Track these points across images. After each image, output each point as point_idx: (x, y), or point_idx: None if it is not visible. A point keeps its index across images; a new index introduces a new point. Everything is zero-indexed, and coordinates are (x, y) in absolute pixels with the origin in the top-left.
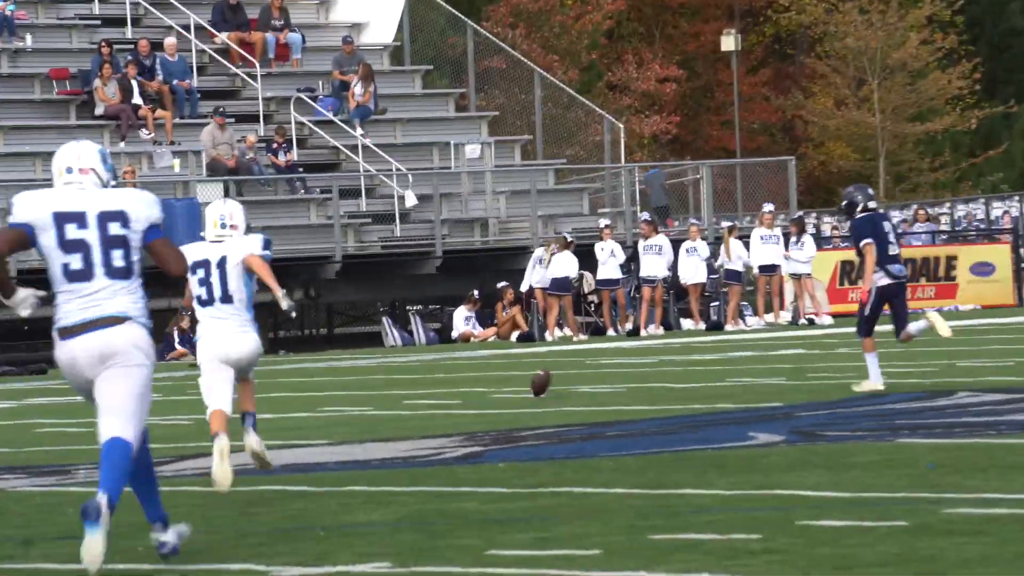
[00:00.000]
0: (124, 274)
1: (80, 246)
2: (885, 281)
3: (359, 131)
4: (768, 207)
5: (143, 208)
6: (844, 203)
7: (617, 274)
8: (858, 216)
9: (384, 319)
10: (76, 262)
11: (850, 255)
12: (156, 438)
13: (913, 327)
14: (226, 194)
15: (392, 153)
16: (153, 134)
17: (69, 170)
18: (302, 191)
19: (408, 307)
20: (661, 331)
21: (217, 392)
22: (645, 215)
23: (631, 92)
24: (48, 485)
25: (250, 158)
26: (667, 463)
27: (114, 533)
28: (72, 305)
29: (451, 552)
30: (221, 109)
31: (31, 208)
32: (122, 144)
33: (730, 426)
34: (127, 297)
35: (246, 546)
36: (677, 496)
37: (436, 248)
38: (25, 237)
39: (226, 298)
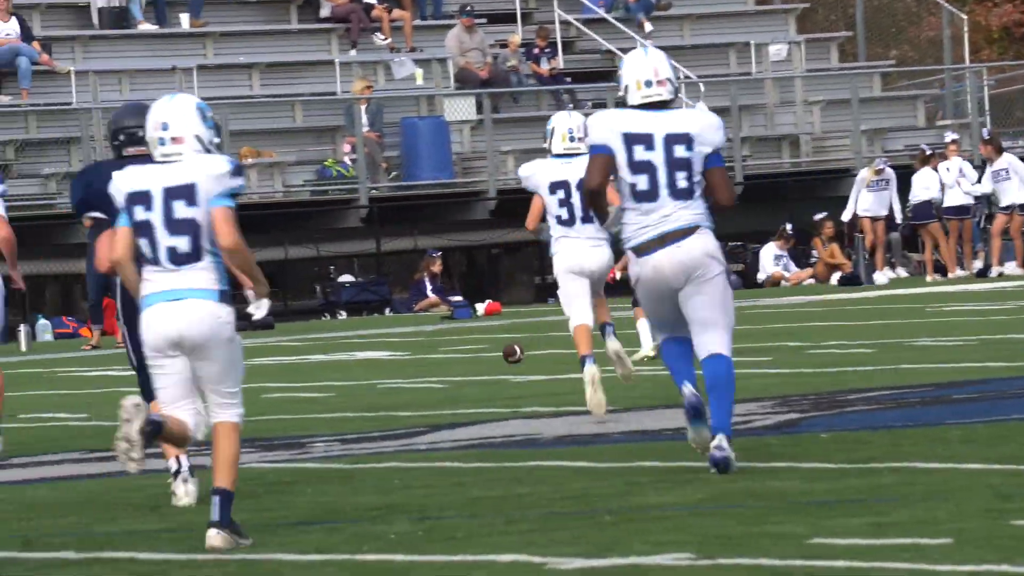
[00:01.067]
0: (687, 195)
1: (646, 167)
2: None
3: (645, 29)
4: None
5: (709, 133)
6: None
7: (967, 200)
8: None
9: None
10: (643, 183)
11: None
12: (404, 404)
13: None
14: (479, 110)
15: (679, 57)
16: (390, 39)
17: (648, 83)
18: (570, 105)
19: None
20: (1022, 271)
21: (578, 305)
22: (985, 132)
23: None
24: (282, 461)
25: (509, 66)
26: None
27: (362, 519)
28: (641, 223)
29: (767, 541)
30: (469, 8)
31: (604, 130)
32: (353, 52)
33: None
34: (692, 211)
35: (516, 533)
36: None
37: (736, 172)
38: (612, 161)
39: (587, 218)
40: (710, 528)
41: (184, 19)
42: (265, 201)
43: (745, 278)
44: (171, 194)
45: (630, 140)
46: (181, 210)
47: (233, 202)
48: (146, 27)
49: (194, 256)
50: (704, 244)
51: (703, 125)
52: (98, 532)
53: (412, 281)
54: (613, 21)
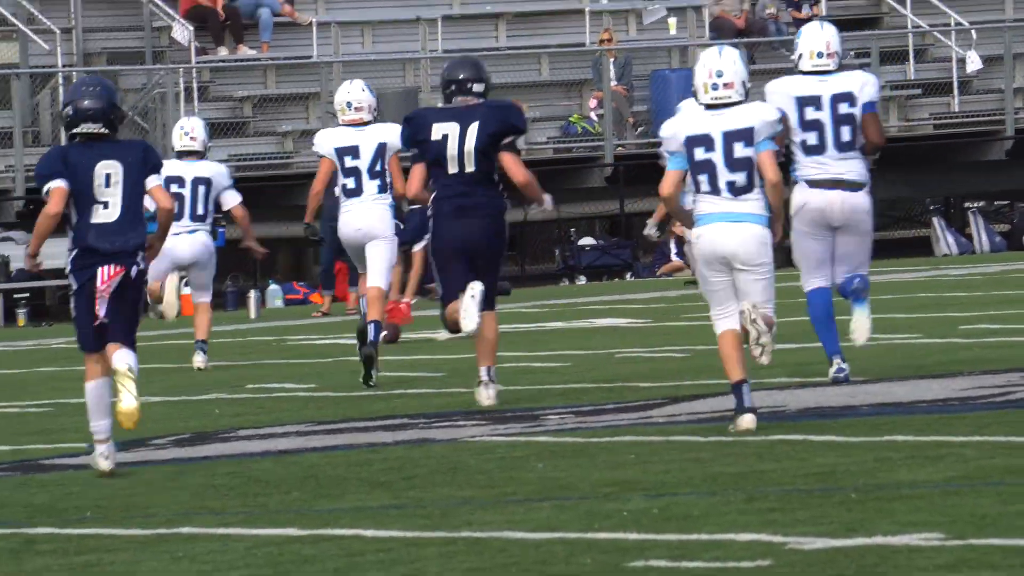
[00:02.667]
0: (850, 147)
1: (815, 125)
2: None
3: None
4: None
5: (868, 88)
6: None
7: None
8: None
9: (935, 220)
10: (812, 139)
11: None
12: (643, 375)
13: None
14: None
15: (949, 2)
16: None
17: (820, 55)
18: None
19: (967, 204)
20: None
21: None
22: None
23: None
24: (513, 434)
25: (768, 14)
26: None
27: (595, 495)
28: (811, 167)
29: (1023, 521)
30: None
31: (779, 95)
32: (604, 1)
33: None
34: (858, 168)
35: (755, 512)
36: None
37: (1006, 126)
38: (785, 121)
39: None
40: (963, 507)
41: None
42: None
43: (1011, 239)
44: (731, 137)
45: (802, 102)
46: (740, 150)
47: (775, 145)
48: None
49: (748, 188)
50: (867, 201)
51: (862, 83)
52: (323, 509)
53: (656, 244)
54: None
